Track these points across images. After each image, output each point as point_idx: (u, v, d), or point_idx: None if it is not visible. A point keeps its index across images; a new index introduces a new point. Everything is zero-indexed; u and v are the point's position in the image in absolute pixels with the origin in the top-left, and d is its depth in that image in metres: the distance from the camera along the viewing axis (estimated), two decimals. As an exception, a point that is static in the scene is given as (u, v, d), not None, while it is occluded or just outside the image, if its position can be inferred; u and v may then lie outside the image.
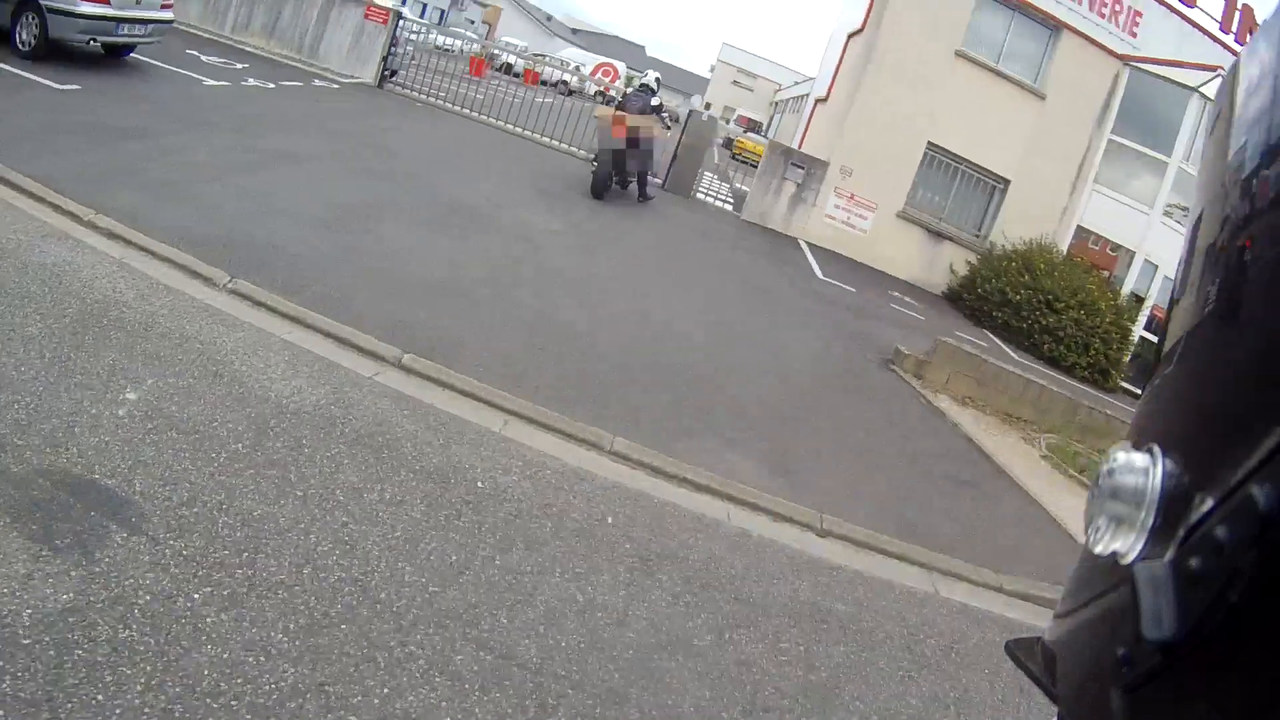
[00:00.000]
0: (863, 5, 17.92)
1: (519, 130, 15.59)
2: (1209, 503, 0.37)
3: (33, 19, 9.96)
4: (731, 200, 17.46)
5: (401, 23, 16.14)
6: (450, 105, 15.94)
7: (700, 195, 15.97)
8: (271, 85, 12.66)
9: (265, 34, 16.45)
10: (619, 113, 12.21)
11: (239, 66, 13.43)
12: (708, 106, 44.03)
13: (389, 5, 16.38)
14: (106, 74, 10.47)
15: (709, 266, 10.20)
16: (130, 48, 11.46)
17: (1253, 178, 0.44)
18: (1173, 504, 0.41)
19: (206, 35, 16.09)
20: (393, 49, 16.04)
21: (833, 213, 15.71)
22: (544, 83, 21.22)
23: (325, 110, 12.12)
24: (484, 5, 60.53)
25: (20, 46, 9.98)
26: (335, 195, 7.84)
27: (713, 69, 66.84)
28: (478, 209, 9.00)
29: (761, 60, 63.57)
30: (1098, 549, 0.46)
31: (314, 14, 16.26)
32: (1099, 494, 0.46)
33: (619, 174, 12.46)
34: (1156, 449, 0.44)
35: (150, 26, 11.00)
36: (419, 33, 17.14)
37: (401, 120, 13.31)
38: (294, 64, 15.55)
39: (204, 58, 13.38)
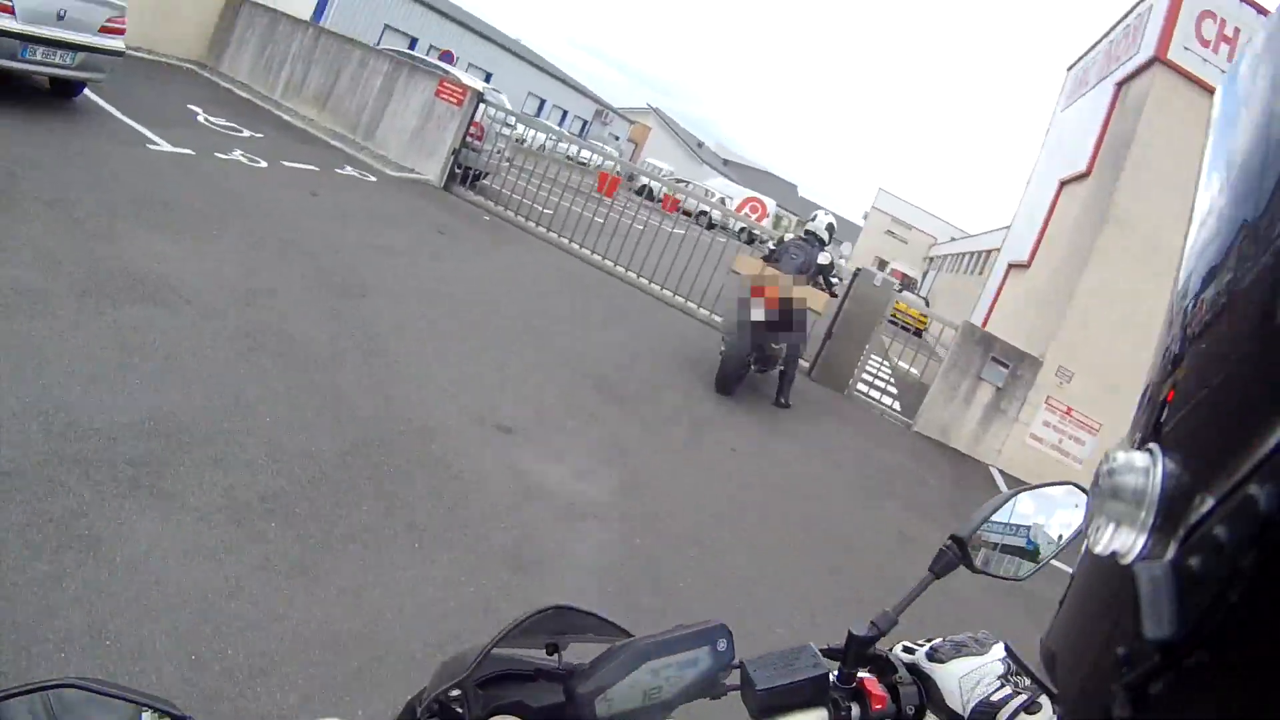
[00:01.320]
0: (1086, 143, 13.42)
1: (628, 273, 11.24)
2: (1209, 502, 0.37)
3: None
4: (895, 390, 12.61)
5: (485, 108, 12.31)
6: (540, 227, 11.76)
7: (861, 388, 11.13)
8: (261, 164, 8.85)
9: (318, 103, 13.03)
10: (771, 271, 7.76)
11: (244, 135, 9.79)
12: (882, 266, 39.00)
13: (472, 84, 12.69)
14: (6, 113, 6.83)
15: (859, 567, 5.42)
16: (76, 84, 8.04)
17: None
18: (1173, 504, 0.40)
19: (247, 95, 12.79)
20: (470, 141, 12.18)
21: (1041, 432, 10.75)
22: (684, 212, 17.43)
23: (316, 212, 8.15)
24: (632, 122, 58.59)
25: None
26: (81, 404, 3.49)
27: (866, 216, 63.07)
28: (432, 448, 4.55)
29: (918, 210, 59.87)
30: (1098, 549, 0.44)
31: (376, 83, 12.73)
32: (1099, 494, 0.45)
33: (760, 358, 7.85)
34: (1156, 448, 0.44)
35: (79, 55, 7.41)
36: (512, 125, 13.33)
37: (439, 242, 9.22)
38: (339, 145, 11.94)
39: (203, 117, 9.84)
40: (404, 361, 5.29)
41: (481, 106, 12.22)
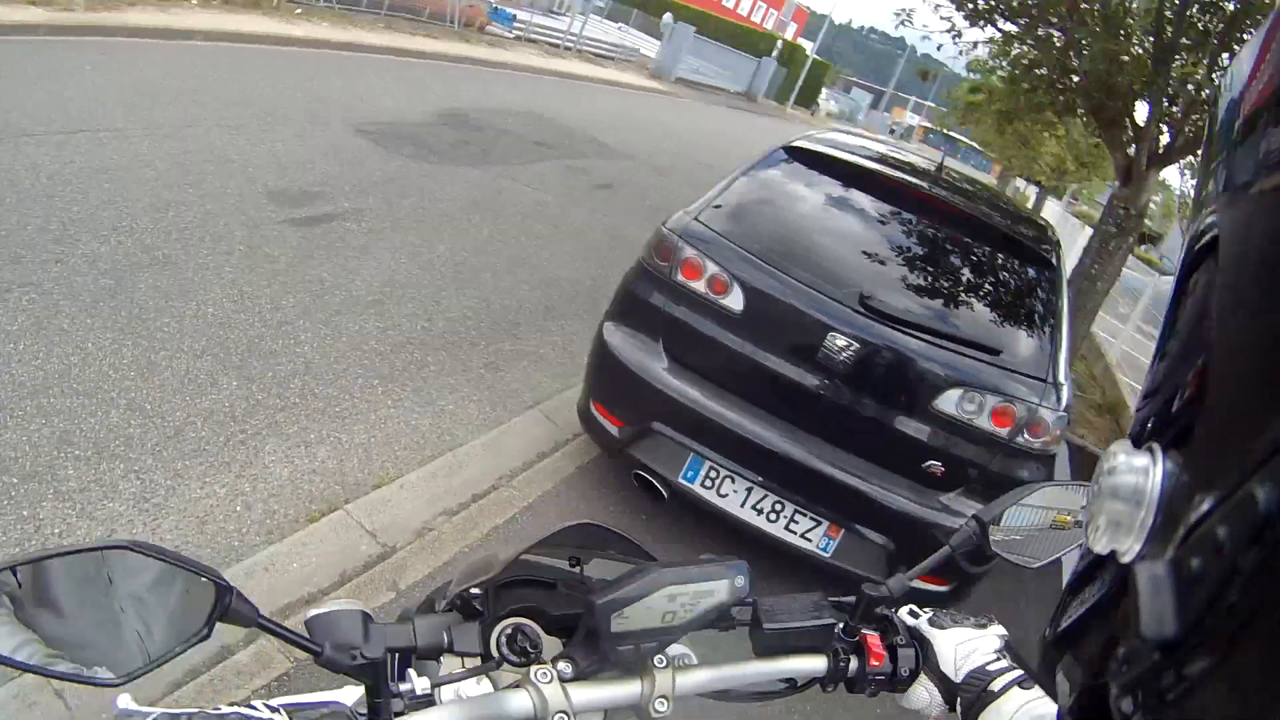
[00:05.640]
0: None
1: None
2: (1209, 502, 0.36)
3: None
4: None
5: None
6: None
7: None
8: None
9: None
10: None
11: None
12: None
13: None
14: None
15: None
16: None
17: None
18: (1173, 503, 0.40)
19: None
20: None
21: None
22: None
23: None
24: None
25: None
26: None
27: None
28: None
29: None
30: (1097, 548, 0.44)
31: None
32: (1098, 493, 0.44)
33: None
34: (1157, 448, 0.43)
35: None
36: None
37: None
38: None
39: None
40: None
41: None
